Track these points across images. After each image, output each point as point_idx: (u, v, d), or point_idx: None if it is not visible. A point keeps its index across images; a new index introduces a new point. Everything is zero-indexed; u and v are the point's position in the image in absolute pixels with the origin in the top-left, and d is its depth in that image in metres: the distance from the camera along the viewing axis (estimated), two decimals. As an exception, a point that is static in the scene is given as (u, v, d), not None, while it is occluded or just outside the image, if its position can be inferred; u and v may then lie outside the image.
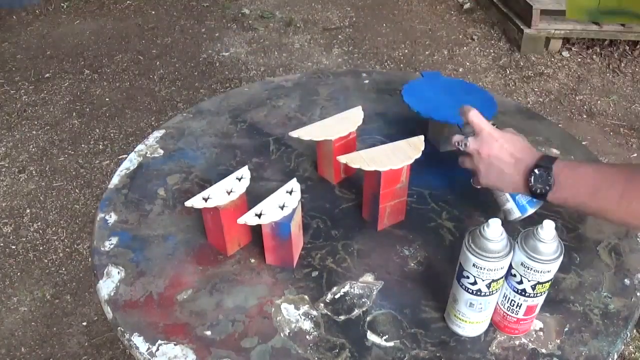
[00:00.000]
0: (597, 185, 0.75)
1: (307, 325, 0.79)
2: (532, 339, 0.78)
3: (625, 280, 0.87)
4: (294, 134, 0.99)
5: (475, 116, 0.86)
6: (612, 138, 2.65)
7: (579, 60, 3.19)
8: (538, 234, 0.70)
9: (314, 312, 0.81)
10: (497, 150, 0.82)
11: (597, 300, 0.84)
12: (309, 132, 0.99)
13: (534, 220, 0.97)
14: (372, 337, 0.78)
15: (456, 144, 0.87)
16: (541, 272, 0.70)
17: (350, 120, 1.02)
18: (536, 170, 0.78)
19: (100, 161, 2.48)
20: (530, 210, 0.87)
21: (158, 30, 3.48)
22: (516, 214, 0.88)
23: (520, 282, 0.72)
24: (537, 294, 0.73)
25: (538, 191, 0.79)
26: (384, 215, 0.93)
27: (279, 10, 3.72)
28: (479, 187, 0.88)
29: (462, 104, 0.90)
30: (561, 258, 0.70)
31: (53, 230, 2.15)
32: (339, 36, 3.44)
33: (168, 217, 0.97)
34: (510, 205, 0.88)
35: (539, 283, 0.71)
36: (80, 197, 2.30)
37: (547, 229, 0.69)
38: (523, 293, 0.73)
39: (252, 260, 0.89)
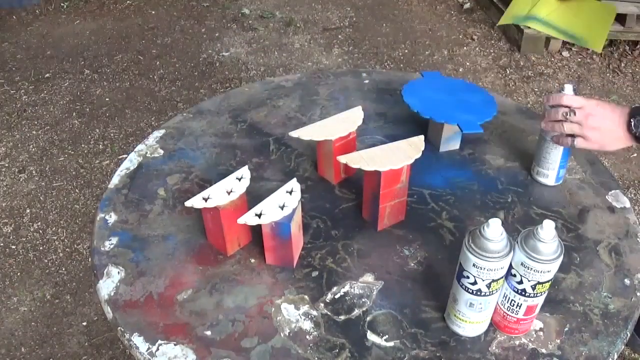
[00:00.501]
0: None
1: (307, 325, 0.79)
2: (532, 339, 0.78)
3: (625, 280, 0.87)
4: (294, 134, 0.99)
5: (568, 97, 0.95)
6: (612, 138, 2.64)
7: (579, 60, 3.19)
8: (538, 234, 0.70)
9: (314, 312, 0.81)
10: (600, 112, 0.93)
11: (597, 300, 0.84)
12: (309, 132, 0.99)
13: (535, 221, 0.97)
14: (372, 337, 0.78)
15: (564, 114, 0.95)
16: (541, 272, 0.70)
17: (350, 120, 1.02)
18: (636, 118, 0.91)
19: (100, 161, 2.48)
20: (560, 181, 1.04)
21: (158, 30, 3.48)
22: (551, 182, 1.03)
23: (521, 282, 0.72)
24: (537, 294, 0.73)
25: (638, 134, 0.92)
26: (384, 215, 0.93)
27: (279, 10, 3.72)
28: (576, 146, 0.96)
29: (462, 104, 0.92)
30: (561, 258, 0.70)
31: (53, 230, 2.15)
32: (339, 36, 3.44)
33: (168, 217, 0.96)
34: (553, 171, 1.01)
35: (539, 283, 0.71)
36: (80, 197, 2.29)
37: (547, 229, 0.69)
38: (523, 293, 0.73)
39: (252, 260, 0.89)
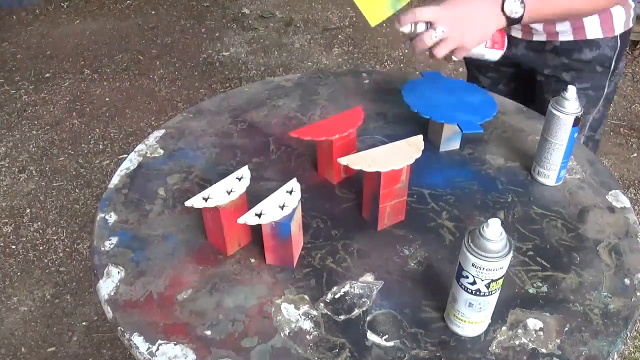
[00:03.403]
0: None
1: (307, 325, 0.79)
2: (532, 339, 0.78)
3: (625, 280, 0.87)
4: (294, 134, 0.99)
5: (420, 10, 0.90)
6: (612, 138, 2.65)
7: (579, 60, 3.19)
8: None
9: (314, 312, 0.81)
10: (465, 11, 0.91)
11: (597, 300, 0.84)
12: (309, 132, 0.99)
13: (535, 221, 0.97)
14: (372, 337, 0.78)
15: (433, 38, 0.91)
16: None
17: (350, 120, 1.02)
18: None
19: (100, 161, 2.48)
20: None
21: (158, 30, 3.48)
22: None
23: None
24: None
25: (514, 16, 0.91)
26: (384, 215, 0.93)
27: (279, 10, 3.72)
28: (456, 59, 0.95)
29: (462, 104, 0.92)
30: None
31: (53, 230, 2.15)
32: (339, 36, 3.44)
33: (168, 217, 0.97)
34: (554, 171, 0.99)
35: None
36: (80, 197, 2.30)
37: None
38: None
39: (252, 260, 0.89)
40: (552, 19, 1.02)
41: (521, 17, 0.92)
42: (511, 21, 0.92)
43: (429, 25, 0.92)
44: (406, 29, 0.92)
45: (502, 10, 0.91)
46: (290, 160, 1.10)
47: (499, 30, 0.98)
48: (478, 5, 0.92)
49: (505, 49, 1.02)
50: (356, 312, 0.81)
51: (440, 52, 0.93)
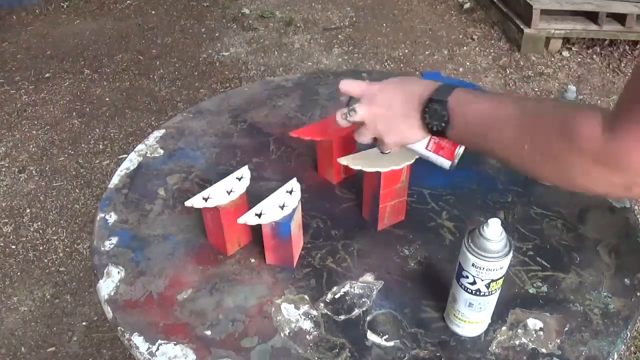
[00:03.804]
0: (488, 125, 0.67)
1: (307, 325, 0.79)
2: (532, 339, 0.78)
3: (625, 280, 0.87)
4: (294, 134, 0.99)
5: (345, 84, 0.79)
6: (612, 138, 2.64)
7: (579, 60, 3.19)
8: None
9: (314, 312, 0.81)
10: (386, 101, 0.75)
11: (597, 300, 0.84)
12: (309, 132, 0.99)
13: (535, 221, 0.97)
14: (372, 336, 0.78)
15: (343, 116, 0.78)
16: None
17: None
18: (430, 106, 0.71)
19: (100, 161, 2.48)
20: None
21: (158, 30, 3.48)
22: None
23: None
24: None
25: (434, 128, 0.71)
26: (384, 215, 0.93)
27: (279, 10, 3.72)
28: (387, 152, 0.82)
29: None
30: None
31: (53, 230, 2.15)
32: (339, 36, 3.44)
33: (168, 217, 0.97)
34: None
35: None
36: (80, 197, 2.30)
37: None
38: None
39: (252, 260, 0.89)
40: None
41: (443, 131, 0.72)
42: (435, 133, 0.73)
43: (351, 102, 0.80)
44: (344, 99, 0.82)
45: (423, 117, 0.72)
46: (290, 160, 1.10)
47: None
48: (401, 100, 0.75)
49: (454, 161, 0.84)
50: (356, 312, 0.81)
51: (359, 137, 0.80)
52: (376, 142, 0.81)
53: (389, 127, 0.76)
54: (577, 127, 0.58)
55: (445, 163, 0.84)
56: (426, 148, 0.83)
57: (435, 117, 0.71)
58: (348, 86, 0.79)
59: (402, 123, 0.75)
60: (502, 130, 0.66)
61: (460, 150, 0.83)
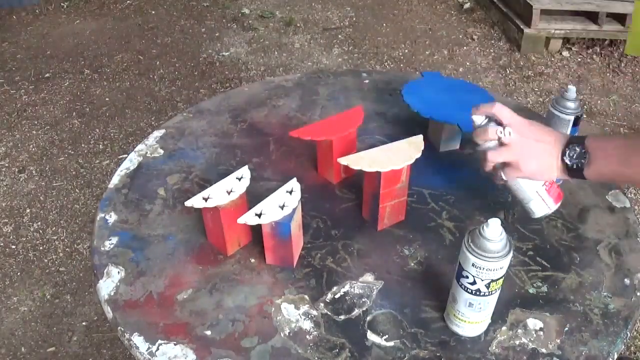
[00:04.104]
0: (628, 152, 0.78)
1: (307, 325, 0.79)
2: (532, 339, 0.78)
3: (625, 280, 0.87)
4: (294, 134, 0.99)
5: (500, 109, 0.84)
6: (612, 138, 2.65)
7: (579, 60, 3.19)
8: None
9: (314, 312, 0.81)
10: (535, 134, 0.83)
11: (597, 300, 0.84)
12: (309, 132, 0.99)
13: (535, 221, 0.96)
14: (372, 336, 0.78)
15: (498, 133, 0.83)
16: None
17: (350, 120, 1.02)
18: (571, 147, 0.80)
19: (100, 161, 2.48)
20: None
21: (158, 30, 3.48)
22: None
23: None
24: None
25: (575, 166, 0.81)
26: (384, 215, 0.93)
27: (279, 10, 3.72)
28: (506, 181, 0.85)
29: (462, 104, 0.89)
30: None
31: (53, 230, 2.15)
32: (339, 36, 3.44)
33: (168, 217, 0.97)
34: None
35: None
36: (80, 197, 2.30)
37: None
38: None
39: (252, 260, 0.89)
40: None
41: (581, 169, 0.81)
42: (573, 172, 0.82)
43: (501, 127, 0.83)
44: (478, 119, 0.86)
45: (562, 158, 0.82)
46: (290, 160, 1.10)
47: (558, 187, 0.88)
48: (548, 138, 0.83)
49: (556, 207, 0.88)
50: (356, 312, 0.81)
51: (495, 156, 0.84)
52: (499, 169, 0.85)
53: (532, 154, 0.82)
54: None
55: (546, 209, 0.88)
56: (537, 190, 0.87)
57: (576, 157, 0.80)
58: (502, 111, 0.83)
59: (545, 158, 0.83)
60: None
61: (560, 202, 0.88)
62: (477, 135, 0.86)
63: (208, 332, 0.78)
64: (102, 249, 0.90)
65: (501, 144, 0.83)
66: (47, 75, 3.06)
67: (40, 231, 2.15)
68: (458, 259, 0.73)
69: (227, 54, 3.25)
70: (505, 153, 0.84)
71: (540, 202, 0.87)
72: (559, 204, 0.88)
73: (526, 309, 0.82)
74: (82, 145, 2.57)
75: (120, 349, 1.76)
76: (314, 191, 1.02)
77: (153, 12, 3.70)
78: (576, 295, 0.84)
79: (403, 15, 3.69)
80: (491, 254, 0.68)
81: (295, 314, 0.80)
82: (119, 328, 0.79)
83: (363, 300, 0.83)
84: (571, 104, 0.97)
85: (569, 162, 0.81)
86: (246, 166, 0.89)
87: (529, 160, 0.83)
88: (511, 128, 0.82)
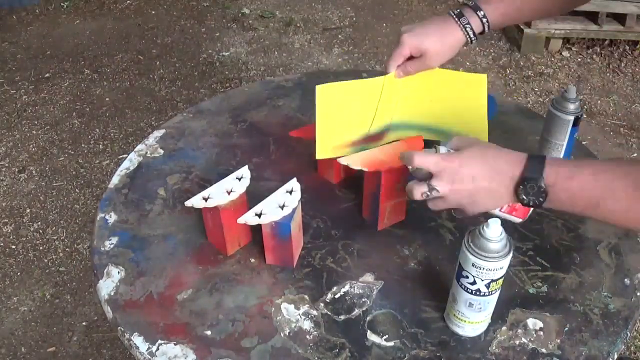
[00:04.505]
0: (597, 197, 0.68)
1: (307, 325, 0.79)
2: (532, 339, 0.78)
3: (625, 280, 0.87)
4: (294, 134, 0.99)
5: (420, 158, 0.75)
6: (612, 138, 2.65)
7: (579, 60, 3.19)
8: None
9: (314, 312, 0.81)
10: (469, 181, 0.73)
11: (597, 300, 0.84)
12: (309, 132, 0.99)
13: (535, 220, 0.96)
14: (372, 336, 0.78)
15: (423, 196, 0.75)
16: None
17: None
18: (526, 184, 0.70)
19: (100, 161, 2.48)
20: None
21: (158, 30, 3.48)
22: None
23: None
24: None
25: (531, 203, 0.71)
26: (384, 215, 0.93)
27: (279, 10, 3.72)
28: (461, 216, 0.79)
29: None
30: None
31: (53, 230, 2.15)
32: (339, 36, 3.44)
33: (168, 217, 0.97)
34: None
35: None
36: (80, 197, 2.29)
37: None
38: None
39: (252, 260, 0.89)
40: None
41: (539, 205, 0.72)
42: (530, 206, 0.73)
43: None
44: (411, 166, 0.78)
45: (516, 194, 0.72)
46: (290, 160, 1.10)
47: None
48: (487, 176, 0.73)
49: (527, 217, 0.85)
50: (356, 312, 0.81)
51: (434, 207, 0.77)
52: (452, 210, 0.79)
53: (472, 201, 0.74)
54: None
55: (517, 221, 0.84)
56: (500, 211, 0.82)
57: (532, 195, 0.70)
58: (423, 161, 0.75)
59: (488, 197, 0.74)
60: (613, 203, 0.67)
61: (530, 210, 0.82)
62: (409, 190, 0.77)
63: (208, 332, 0.78)
64: (102, 249, 0.90)
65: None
66: (47, 75, 3.06)
67: (40, 231, 2.15)
68: (458, 259, 0.73)
69: (227, 54, 3.25)
70: (441, 204, 0.76)
71: (509, 217, 0.84)
72: (525, 218, 0.85)
73: (526, 309, 0.82)
74: (82, 145, 2.57)
75: (120, 349, 1.76)
76: (314, 191, 1.02)
77: (153, 12, 3.70)
78: (576, 295, 0.84)
79: (403, 16, 3.68)
80: (491, 254, 0.68)
81: (295, 314, 0.80)
82: (119, 328, 0.79)
83: (363, 300, 0.83)
84: (571, 104, 0.97)
85: (523, 199, 0.71)
86: (246, 166, 0.89)
87: (472, 205, 0.75)
88: (441, 179, 0.74)
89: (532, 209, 0.81)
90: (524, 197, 0.71)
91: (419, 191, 0.75)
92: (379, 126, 0.96)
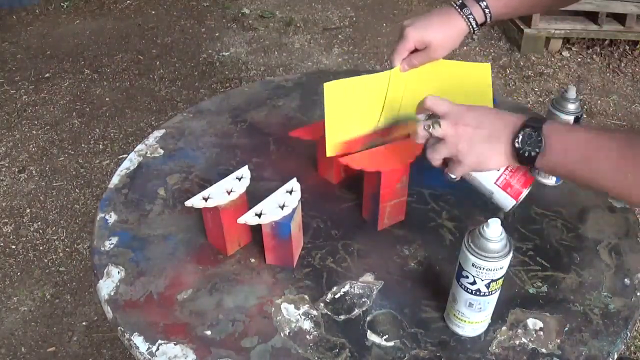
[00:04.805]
0: (589, 153, 0.68)
1: (307, 325, 0.79)
2: (532, 339, 0.78)
3: (625, 280, 0.87)
4: (294, 134, 0.99)
5: (431, 99, 0.76)
6: (612, 138, 2.64)
7: (579, 60, 3.19)
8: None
9: (314, 312, 0.81)
10: (475, 121, 0.74)
11: (597, 300, 0.84)
12: (309, 132, 0.99)
13: (535, 221, 0.96)
14: (372, 336, 0.78)
15: (426, 127, 0.76)
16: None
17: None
18: (525, 130, 0.70)
19: (100, 161, 2.48)
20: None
21: (158, 30, 3.48)
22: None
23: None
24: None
25: (526, 154, 0.70)
26: (384, 215, 0.93)
27: (279, 10, 3.71)
28: (455, 178, 0.78)
29: None
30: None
31: (53, 230, 2.15)
32: (339, 36, 3.44)
33: (168, 217, 0.97)
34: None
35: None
36: (80, 197, 2.30)
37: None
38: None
39: (252, 260, 0.89)
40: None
41: (534, 158, 0.71)
42: (524, 160, 0.72)
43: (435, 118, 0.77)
44: (421, 117, 0.79)
45: (514, 142, 0.71)
46: (290, 160, 1.10)
47: (524, 174, 0.77)
48: (490, 121, 0.74)
49: (519, 200, 0.78)
50: (356, 312, 0.81)
51: (432, 153, 0.77)
52: (444, 166, 0.78)
53: (471, 147, 0.74)
54: None
55: (509, 202, 0.78)
56: (495, 182, 0.77)
57: (529, 143, 0.70)
58: (434, 102, 0.76)
59: (487, 145, 0.73)
60: (604, 160, 0.67)
61: (526, 191, 0.77)
62: (414, 136, 0.79)
63: (208, 332, 0.78)
64: (102, 249, 0.90)
65: (438, 139, 0.76)
66: (47, 75, 3.06)
67: (40, 231, 2.15)
68: (458, 259, 0.73)
69: (227, 54, 3.25)
70: (440, 148, 0.76)
71: (503, 195, 0.78)
72: (526, 190, 0.77)
73: (526, 309, 0.82)
74: (82, 145, 2.57)
75: (120, 349, 1.76)
76: (314, 191, 1.02)
77: (153, 12, 3.70)
78: (576, 295, 0.84)
79: (403, 16, 3.68)
80: (491, 254, 0.68)
81: (295, 314, 0.80)
82: (119, 328, 0.79)
83: (363, 300, 0.83)
84: (571, 104, 0.97)
85: (519, 147, 0.70)
86: (246, 166, 0.89)
87: (468, 151, 0.74)
88: (447, 118, 0.75)
89: (525, 191, 0.77)
90: (521, 145, 0.70)
91: (422, 124, 0.77)
92: (387, 120, 0.97)
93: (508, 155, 0.73)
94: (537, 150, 0.70)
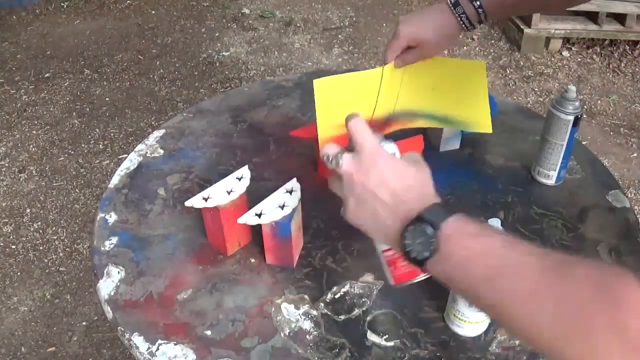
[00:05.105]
0: (499, 267, 0.51)
1: (307, 325, 0.79)
2: (532, 339, 0.78)
3: (625, 280, 0.87)
4: (294, 134, 0.99)
5: (356, 125, 0.61)
6: (612, 138, 2.65)
7: (579, 60, 3.19)
8: None
9: (314, 312, 0.81)
10: (375, 181, 0.59)
11: (597, 300, 0.83)
12: (309, 132, 0.99)
13: (535, 221, 0.96)
14: (372, 336, 0.78)
15: (325, 158, 0.62)
16: None
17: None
18: (416, 225, 0.55)
19: (100, 161, 2.48)
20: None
21: (158, 30, 3.48)
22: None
23: None
24: None
25: (413, 254, 0.55)
26: (384, 215, 0.93)
27: (279, 10, 3.71)
28: (344, 218, 0.65)
29: None
30: None
31: (53, 230, 2.15)
32: (339, 36, 3.44)
33: (168, 217, 0.96)
34: (554, 171, 0.71)
35: None
36: (80, 197, 2.29)
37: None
38: None
39: (252, 260, 0.89)
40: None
41: (421, 261, 0.56)
42: (410, 260, 0.57)
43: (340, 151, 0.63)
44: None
45: (402, 235, 0.56)
46: (290, 160, 1.10)
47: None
48: (392, 193, 0.59)
49: (400, 286, 0.67)
50: (356, 312, 0.81)
51: (330, 185, 0.65)
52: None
53: (358, 207, 0.61)
54: (620, 295, 0.43)
55: (390, 280, 0.67)
56: (384, 250, 0.65)
57: (420, 242, 0.54)
58: (355, 129, 0.62)
59: (373, 219, 0.60)
60: (520, 278, 0.49)
61: (411, 282, 0.65)
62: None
63: (208, 332, 0.78)
64: (102, 249, 0.90)
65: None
66: (47, 75, 3.06)
67: (40, 231, 2.15)
68: (458, 259, 0.72)
69: (227, 54, 3.25)
70: (334, 185, 0.64)
71: (386, 268, 0.67)
72: (410, 281, 0.66)
73: (526, 309, 0.82)
74: (82, 145, 2.57)
75: (120, 349, 1.76)
76: (314, 191, 1.02)
77: (153, 12, 3.70)
78: (576, 295, 0.84)
79: (403, 16, 3.69)
80: (491, 254, 0.68)
81: (295, 314, 0.80)
82: (119, 328, 0.79)
83: (363, 300, 0.83)
84: (571, 104, 0.97)
85: (406, 242, 0.55)
86: (246, 166, 0.89)
87: (354, 211, 0.61)
88: (353, 158, 0.61)
89: (410, 282, 0.65)
90: (409, 240, 0.55)
91: (328, 150, 0.62)
92: (381, 115, 0.97)
93: (394, 243, 0.58)
94: (427, 254, 0.54)
